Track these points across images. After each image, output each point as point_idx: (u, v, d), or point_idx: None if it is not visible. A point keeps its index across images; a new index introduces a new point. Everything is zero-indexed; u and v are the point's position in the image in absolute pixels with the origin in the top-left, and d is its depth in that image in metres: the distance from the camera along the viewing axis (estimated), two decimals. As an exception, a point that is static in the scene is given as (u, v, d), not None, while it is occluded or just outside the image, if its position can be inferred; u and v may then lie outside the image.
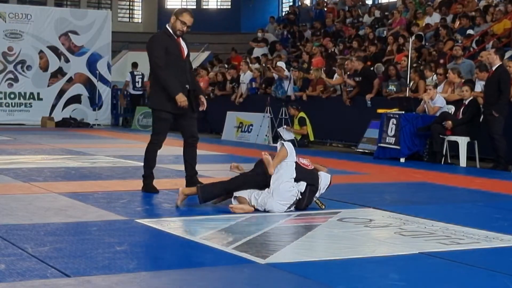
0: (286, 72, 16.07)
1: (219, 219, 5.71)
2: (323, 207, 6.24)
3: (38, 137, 14.91)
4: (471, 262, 4.36)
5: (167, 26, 7.08)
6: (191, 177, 7.24)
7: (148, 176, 7.10)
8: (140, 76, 20.60)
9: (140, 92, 20.74)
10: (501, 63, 10.70)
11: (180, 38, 7.05)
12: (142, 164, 7.19)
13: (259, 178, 6.15)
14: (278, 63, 16.76)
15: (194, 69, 21.89)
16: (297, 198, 6.08)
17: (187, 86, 7.01)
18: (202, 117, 18.74)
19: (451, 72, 12.18)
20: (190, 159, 7.22)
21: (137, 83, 20.66)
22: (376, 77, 14.06)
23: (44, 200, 6.38)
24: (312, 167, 6.34)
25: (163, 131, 7.10)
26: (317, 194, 6.29)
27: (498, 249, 4.83)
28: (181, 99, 6.86)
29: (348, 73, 14.47)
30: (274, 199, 6.02)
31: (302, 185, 6.11)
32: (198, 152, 7.32)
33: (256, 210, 6.04)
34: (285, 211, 6.07)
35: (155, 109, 7.09)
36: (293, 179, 6.07)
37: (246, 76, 17.75)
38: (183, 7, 8.18)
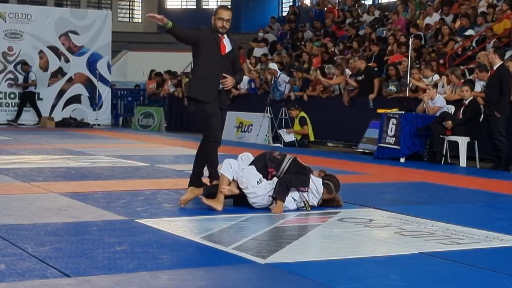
0: (284, 78, 15.96)
1: (219, 219, 5.71)
2: (309, 209, 6.16)
3: (38, 137, 14.90)
4: (471, 262, 4.36)
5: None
6: (197, 176, 7.06)
7: (200, 174, 6.99)
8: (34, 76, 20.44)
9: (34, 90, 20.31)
10: (501, 62, 10.67)
11: (225, 36, 6.93)
12: (195, 166, 7.00)
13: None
14: (270, 65, 16.66)
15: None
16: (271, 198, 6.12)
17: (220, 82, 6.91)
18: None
19: (450, 74, 12.20)
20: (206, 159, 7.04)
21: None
22: (378, 76, 14.03)
23: (44, 200, 6.39)
24: (308, 167, 6.40)
25: (218, 126, 6.91)
26: (310, 197, 6.26)
27: (498, 249, 4.84)
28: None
29: (350, 73, 14.46)
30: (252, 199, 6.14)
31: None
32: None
33: (252, 208, 6.13)
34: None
35: (207, 104, 6.86)
36: (256, 182, 6.09)
37: (243, 81, 17.73)
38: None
